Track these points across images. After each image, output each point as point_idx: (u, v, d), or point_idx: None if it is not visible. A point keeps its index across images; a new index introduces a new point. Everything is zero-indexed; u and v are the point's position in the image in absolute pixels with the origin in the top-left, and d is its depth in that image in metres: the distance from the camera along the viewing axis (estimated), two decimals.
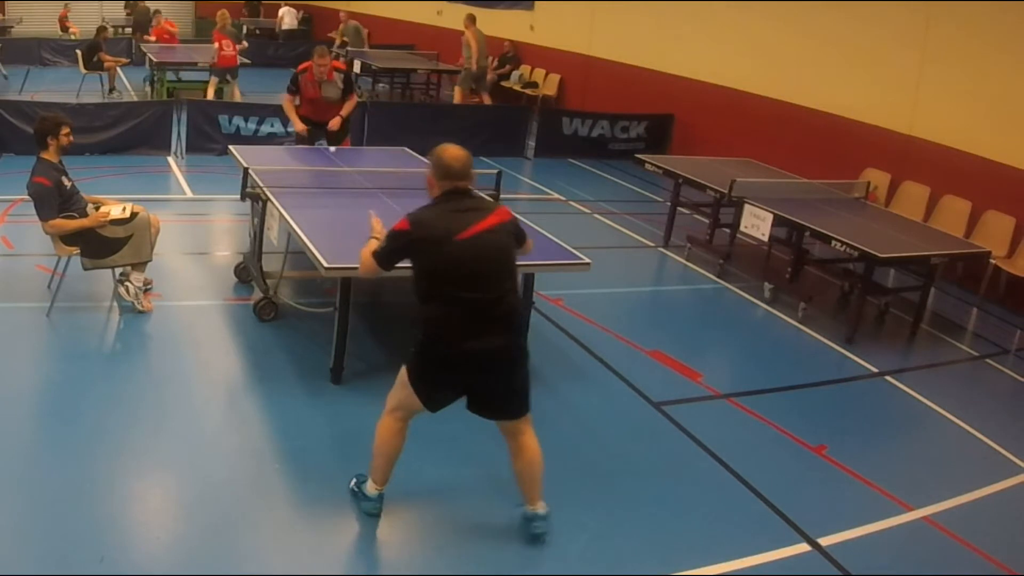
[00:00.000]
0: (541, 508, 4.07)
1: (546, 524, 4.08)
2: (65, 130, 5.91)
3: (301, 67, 8.50)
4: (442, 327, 3.78)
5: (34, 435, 4.64)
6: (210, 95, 13.24)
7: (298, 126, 8.52)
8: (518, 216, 4.18)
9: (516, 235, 3.99)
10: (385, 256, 3.92)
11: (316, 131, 8.57)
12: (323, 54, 8.32)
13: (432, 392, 3.91)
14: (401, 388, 3.97)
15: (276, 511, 4.17)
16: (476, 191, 4.01)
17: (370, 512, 4.15)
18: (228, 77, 13.66)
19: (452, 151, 3.91)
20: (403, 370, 3.96)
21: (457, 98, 14.80)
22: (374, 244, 4.02)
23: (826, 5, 10.33)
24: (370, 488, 4.15)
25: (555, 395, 5.60)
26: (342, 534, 4.12)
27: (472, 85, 14.73)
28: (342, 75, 8.52)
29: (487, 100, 14.79)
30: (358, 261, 4.08)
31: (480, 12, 17.61)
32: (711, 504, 4.56)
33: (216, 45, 13.55)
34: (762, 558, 4.13)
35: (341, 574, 3.81)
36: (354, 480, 4.29)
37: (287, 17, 22.98)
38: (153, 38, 16.58)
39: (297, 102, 8.54)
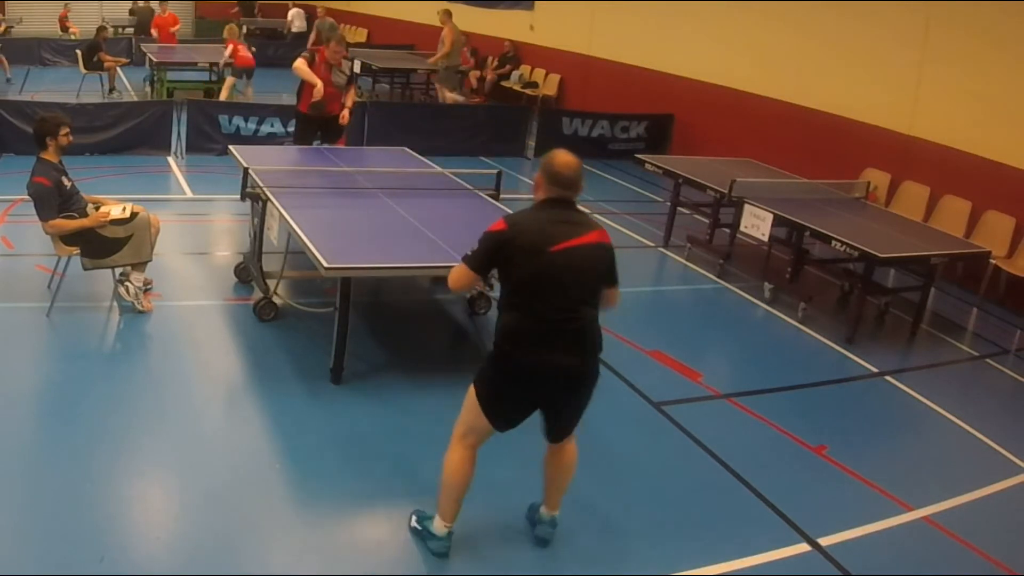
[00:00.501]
0: (555, 514, 4.06)
1: (553, 532, 4.07)
2: (64, 130, 5.90)
3: (313, 48, 8.51)
4: (519, 338, 3.63)
5: (34, 435, 4.64)
6: (224, 96, 13.35)
7: (319, 84, 8.11)
8: None
9: (608, 266, 3.78)
10: (478, 259, 3.68)
11: (316, 127, 8.56)
12: (341, 40, 8.33)
13: (503, 409, 3.74)
14: (470, 411, 3.79)
15: (276, 511, 4.17)
16: (579, 206, 3.90)
17: (439, 552, 3.87)
18: (244, 77, 13.93)
19: (565, 158, 3.79)
20: (470, 392, 3.76)
21: (443, 97, 14.70)
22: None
23: (826, 5, 10.33)
24: (438, 526, 3.87)
25: None
26: (342, 534, 4.13)
27: (453, 82, 14.63)
28: (350, 63, 8.57)
29: (450, 99, 14.73)
30: (449, 279, 3.82)
31: (480, 12, 17.64)
32: (711, 504, 4.57)
33: (230, 48, 13.74)
34: (762, 558, 4.13)
35: (341, 574, 3.80)
36: (414, 517, 4.04)
37: (297, 20, 22.45)
38: (154, 32, 16.55)
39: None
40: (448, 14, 14.49)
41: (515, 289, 3.63)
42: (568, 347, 3.63)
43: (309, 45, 18.65)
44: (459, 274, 3.76)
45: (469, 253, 3.72)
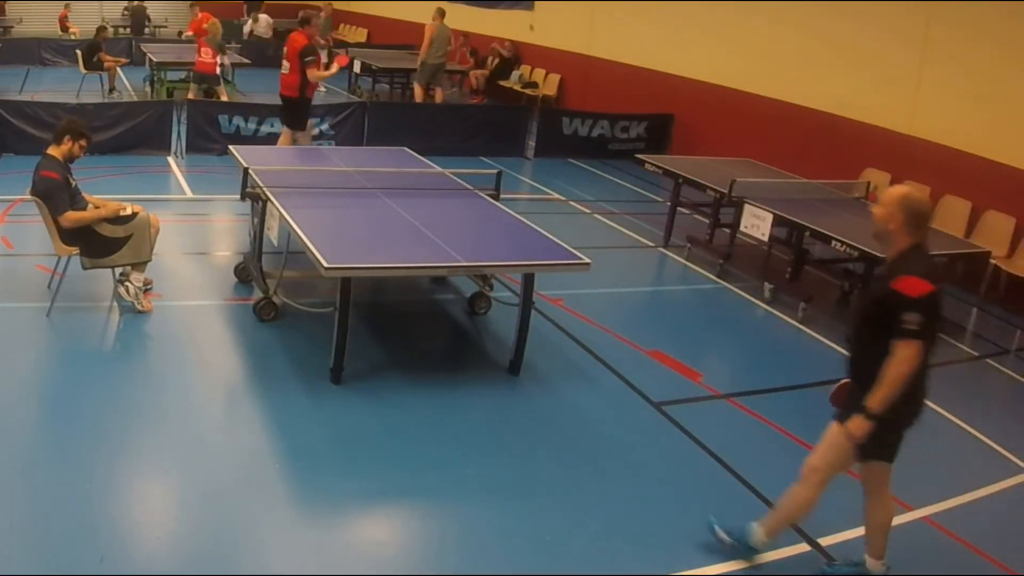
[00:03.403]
0: (878, 569, 3.95)
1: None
2: (83, 142, 5.97)
3: (305, 42, 9.09)
4: (920, 385, 3.67)
5: (34, 435, 4.64)
6: (190, 97, 13.00)
7: (334, 68, 9.85)
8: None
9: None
10: (928, 328, 3.52)
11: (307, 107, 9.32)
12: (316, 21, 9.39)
13: (896, 451, 3.83)
14: (837, 451, 3.83)
15: (276, 511, 4.17)
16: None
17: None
18: (203, 83, 13.24)
19: (926, 198, 3.66)
20: (836, 433, 3.80)
21: (416, 95, 14.64)
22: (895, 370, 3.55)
23: (826, 5, 10.33)
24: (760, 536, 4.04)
25: (555, 395, 5.60)
26: (342, 534, 4.13)
27: (428, 80, 14.49)
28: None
29: (439, 97, 14.72)
30: (905, 370, 3.55)
31: (480, 12, 17.64)
32: (711, 504, 4.56)
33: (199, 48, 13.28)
34: (762, 558, 4.12)
35: (341, 574, 3.80)
36: (720, 529, 4.14)
37: (261, 26, 20.93)
38: (191, 32, 16.25)
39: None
40: (439, 12, 14.51)
41: (928, 346, 3.57)
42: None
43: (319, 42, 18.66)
44: (916, 355, 3.53)
45: (915, 328, 3.49)
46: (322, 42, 17.93)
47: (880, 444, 3.77)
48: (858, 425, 3.64)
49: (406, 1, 20.28)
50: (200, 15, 16.41)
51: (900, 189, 3.72)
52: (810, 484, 3.90)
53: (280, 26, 23.11)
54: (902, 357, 3.50)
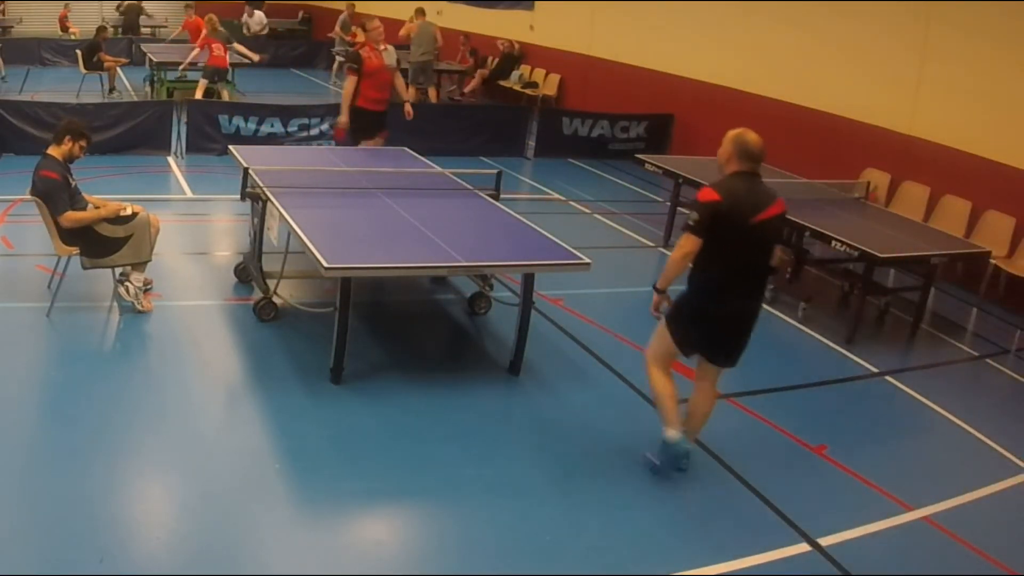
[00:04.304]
0: (680, 438, 4.63)
1: (688, 463, 4.74)
2: (83, 142, 5.98)
3: (354, 43, 8.55)
4: (716, 286, 4.44)
5: (34, 435, 4.64)
6: (198, 95, 13.06)
7: (343, 119, 8.39)
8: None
9: (782, 229, 4.95)
10: (703, 227, 4.30)
11: (376, 121, 8.45)
12: (372, 18, 8.49)
13: (687, 337, 4.59)
14: (660, 339, 4.69)
15: (276, 511, 4.17)
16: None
17: (683, 452, 4.65)
18: (216, 79, 13.38)
19: (755, 137, 4.46)
20: (662, 327, 4.65)
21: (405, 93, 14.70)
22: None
23: (826, 5, 10.33)
24: (671, 435, 4.59)
25: (555, 395, 5.61)
26: (342, 534, 4.13)
27: (419, 79, 14.55)
28: (392, 46, 8.61)
29: (434, 96, 14.68)
30: (679, 254, 4.39)
31: (480, 12, 17.65)
32: (711, 504, 4.57)
33: (199, 48, 13.42)
34: (762, 558, 4.13)
35: (341, 574, 3.80)
36: (648, 453, 4.76)
37: (254, 25, 20.73)
38: (184, 30, 16.26)
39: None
40: (419, 11, 14.58)
41: (719, 247, 4.32)
42: (750, 293, 4.54)
43: (343, 38, 18.48)
44: (690, 246, 4.35)
45: (691, 224, 4.33)
46: (347, 38, 18.02)
47: (685, 332, 4.59)
48: (654, 302, 4.64)
49: (406, 1, 20.29)
50: (195, 17, 16.41)
51: (736, 130, 4.57)
52: (650, 371, 4.77)
53: (279, 25, 23.12)
54: (679, 245, 4.39)
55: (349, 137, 8.54)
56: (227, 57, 13.43)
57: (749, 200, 4.35)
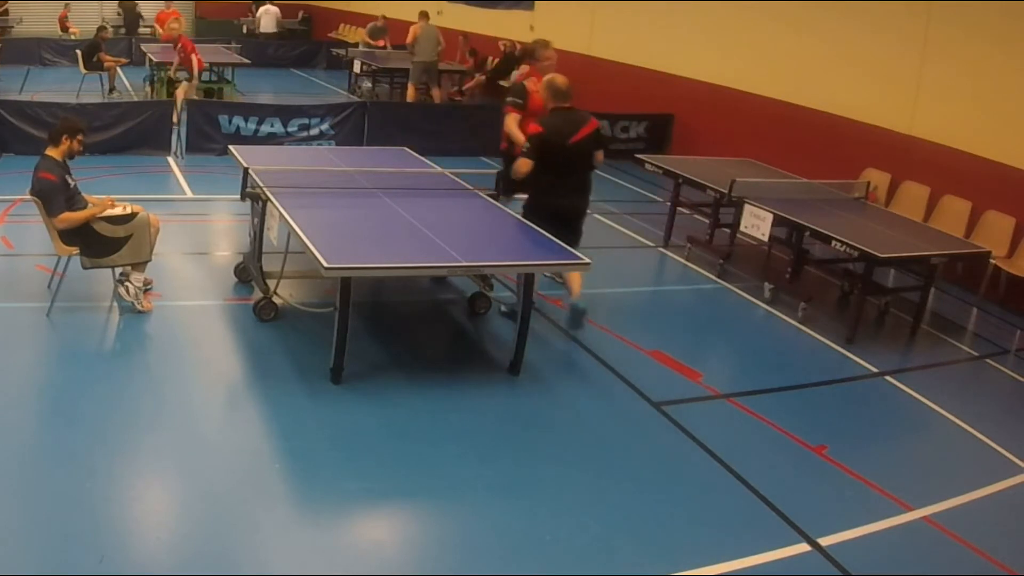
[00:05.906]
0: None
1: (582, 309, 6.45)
2: (80, 137, 5.98)
3: (520, 77, 7.33)
4: (550, 192, 6.30)
5: (34, 435, 4.64)
6: (193, 95, 12.86)
7: (520, 138, 6.69)
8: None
9: (599, 140, 6.50)
10: (533, 152, 6.14)
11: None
12: (547, 45, 7.17)
13: (543, 227, 5.94)
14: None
15: (276, 511, 4.17)
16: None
17: (581, 309, 6.62)
18: (186, 77, 13.05)
19: (560, 79, 6.34)
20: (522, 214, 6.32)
21: (408, 95, 14.82)
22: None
23: (826, 5, 10.33)
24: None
25: (555, 395, 5.61)
26: (342, 534, 4.13)
27: (423, 79, 14.68)
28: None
29: (437, 96, 14.68)
30: (515, 169, 6.25)
31: (480, 12, 17.65)
32: (711, 504, 4.57)
33: (179, 47, 13.14)
34: (762, 558, 4.13)
35: (341, 574, 3.80)
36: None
37: (265, 18, 20.61)
38: (159, 27, 16.26)
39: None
40: (423, 14, 14.66)
41: (547, 164, 6.18)
42: (577, 196, 6.53)
43: (369, 43, 18.16)
44: (525, 166, 6.19)
45: (524, 150, 6.20)
46: (375, 43, 17.90)
47: (540, 223, 6.03)
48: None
49: (406, 1, 20.30)
50: (171, 9, 16.27)
51: (548, 76, 6.48)
52: None
53: (279, 25, 23.07)
54: (518, 163, 6.26)
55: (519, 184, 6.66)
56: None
57: (566, 128, 6.21)
